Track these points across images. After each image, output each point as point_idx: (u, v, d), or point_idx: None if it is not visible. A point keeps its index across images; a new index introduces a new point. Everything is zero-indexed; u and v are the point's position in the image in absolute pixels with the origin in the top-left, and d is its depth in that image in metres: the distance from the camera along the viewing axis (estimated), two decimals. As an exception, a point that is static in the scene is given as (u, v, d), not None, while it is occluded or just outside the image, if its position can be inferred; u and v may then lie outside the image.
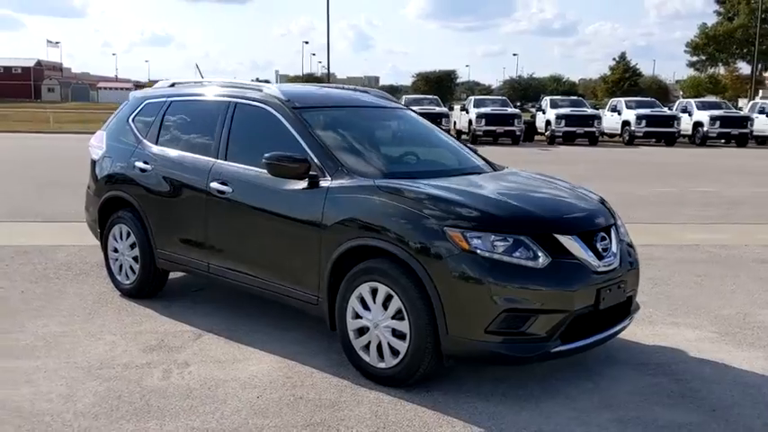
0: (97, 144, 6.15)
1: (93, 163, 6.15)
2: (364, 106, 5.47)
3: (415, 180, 4.33)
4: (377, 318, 4.03)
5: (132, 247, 5.66)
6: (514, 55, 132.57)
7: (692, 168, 18.71)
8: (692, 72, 56.62)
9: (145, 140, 5.66)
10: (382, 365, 4.04)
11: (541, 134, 31.40)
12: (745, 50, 45.29)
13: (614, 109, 31.54)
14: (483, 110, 28.59)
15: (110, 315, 5.34)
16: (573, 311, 3.80)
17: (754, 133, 29.83)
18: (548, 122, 30.25)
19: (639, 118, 29.34)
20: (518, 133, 28.33)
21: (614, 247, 4.15)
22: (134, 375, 4.21)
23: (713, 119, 29.22)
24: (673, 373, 4.32)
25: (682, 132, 29.85)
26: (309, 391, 4.00)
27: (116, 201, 5.81)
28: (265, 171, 4.60)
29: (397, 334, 3.95)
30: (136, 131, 5.79)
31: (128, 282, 5.76)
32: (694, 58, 47.31)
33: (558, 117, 29.25)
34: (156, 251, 5.47)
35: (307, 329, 4.98)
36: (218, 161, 5.01)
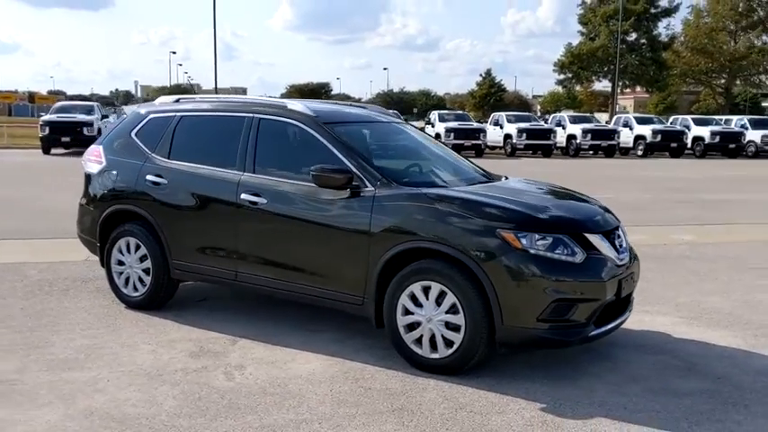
0: (94, 158, 6.18)
1: (90, 177, 6.17)
2: (377, 121, 5.88)
3: (452, 188, 4.83)
4: (430, 313, 4.46)
5: (142, 259, 5.75)
6: (384, 69, 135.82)
7: (578, 177, 20.23)
8: (551, 88, 61.10)
9: (154, 154, 5.78)
10: (435, 356, 4.48)
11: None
12: (605, 68, 49.13)
13: (496, 123, 33.38)
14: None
15: (129, 327, 5.43)
16: (605, 300, 4.42)
17: (621, 145, 32.67)
18: (437, 135, 31.62)
19: (521, 131, 31.29)
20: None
21: (625, 244, 4.81)
22: (199, 379, 4.41)
23: (585, 132, 31.75)
24: (669, 352, 5.04)
25: (557, 144, 32.21)
26: (373, 383, 4.37)
27: (122, 214, 5.88)
28: (302, 182, 4.96)
29: (451, 327, 4.40)
30: (142, 145, 5.89)
31: (136, 294, 5.84)
32: (561, 76, 50.80)
33: (448, 130, 30.65)
34: (171, 262, 5.61)
35: (338, 330, 5.33)
36: (246, 174, 5.26)
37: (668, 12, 49.29)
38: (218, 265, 5.41)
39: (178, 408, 3.97)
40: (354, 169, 4.82)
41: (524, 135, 31.24)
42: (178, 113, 5.86)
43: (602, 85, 61.80)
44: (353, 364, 4.70)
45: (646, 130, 32.41)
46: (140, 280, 5.81)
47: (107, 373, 4.48)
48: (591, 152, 32.58)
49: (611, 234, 4.68)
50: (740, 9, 48.57)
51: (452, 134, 30.56)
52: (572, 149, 32.06)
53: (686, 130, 33.17)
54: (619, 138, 32.34)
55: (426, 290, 4.49)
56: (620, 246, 4.72)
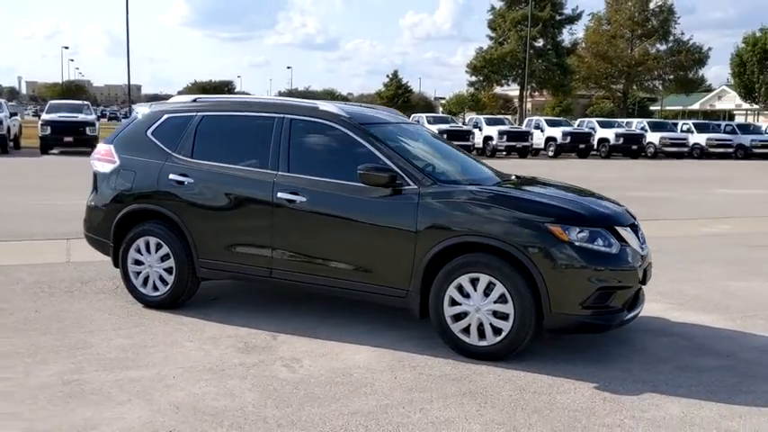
0: (105, 158, 6.12)
1: (101, 176, 6.12)
2: (398, 122, 6.10)
3: (490, 186, 5.17)
4: (478, 303, 4.76)
5: (164, 258, 5.77)
6: (288, 68, 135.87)
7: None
8: (455, 90, 63.11)
9: (175, 154, 5.80)
10: (484, 343, 4.78)
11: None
12: (514, 73, 50.99)
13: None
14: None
15: (160, 325, 5.44)
16: (635, 287, 4.86)
17: (534, 146, 34.14)
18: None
19: (501, 133, 32.96)
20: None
21: (643, 236, 5.28)
22: (262, 372, 4.53)
23: (501, 133, 32.95)
24: (676, 334, 5.54)
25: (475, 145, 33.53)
26: (430, 370, 4.62)
27: (140, 213, 5.87)
28: (343, 181, 5.18)
29: (499, 315, 4.72)
30: (161, 145, 5.90)
31: (157, 293, 5.84)
32: (473, 78, 52.27)
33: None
34: (197, 261, 5.66)
35: (374, 322, 5.56)
36: (281, 173, 5.39)
37: (572, 19, 51.72)
38: (250, 263, 5.51)
39: (260, 399, 4.10)
40: (396, 168, 5.06)
41: (505, 137, 32.77)
42: (199, 113, 5.90)
43: (503, 89, 64.19)
44: (401, 353, 4.93)
45: (556, 132, 33.97)
46: (161, 279, 5.81)
47: (168, 370, 4.53)
48: (505, 153, 33.82)
49: (634, 227, 5.12)
50: (636, 18, 51.56)
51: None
52: (488, 150, 33.19)
53: (593, 132, 34.99)
54: (532, 139, 33.75)
55: (474, 281, 4.78)
56: (641, 238, 5.17)
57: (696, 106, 69.88)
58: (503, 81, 52.56)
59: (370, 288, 5.14)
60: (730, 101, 67.80)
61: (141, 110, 6.29)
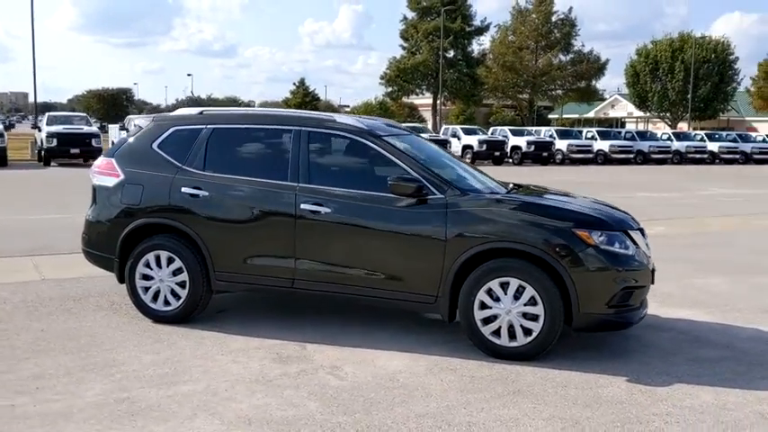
0: (107, 171, 5.99)
1: (103, 190, 5.99)
2: (407, 133, 6.25)
3: (512, 195, 5.42)
4: (509, 306, 4.99)
5: (177, 272, 5.70)
6: (189, 75, 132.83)
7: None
8: (360, 98, 64.08)
9: (186, 167, 5.76)
10: (515, 344, 5.02)
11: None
12: (427, 82, 52.08)
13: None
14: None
15: (181, 340, 5.38)
16: (648, 286, 5.22)
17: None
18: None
19: (481, 142, 34.19)
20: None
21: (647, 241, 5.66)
22: (311, 381, 4.59)
23: (481, 142, 34.28)
24: (672, 329, 5.95)
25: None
26: (472, 372, 4.80)
27: (149, 227, 5.79)
28: (368, 192, 5.33)
29: (529, 317, 4.97)
30: (169, 158, 5.83)
31: (169, 308, 5.77)
32: (389, 89, 52.99)
33: (480, 142, 34.12)
34: (214, 273, 5.64)
35: (391, 328, 5.71)
36: (302, 184, 5.45)
37: (480, 30, 53.44)
38: (271, 274, 5.54)
39: (323, 407, 4.16)
40: (422, 178, 5.23)
41: (485, 146, 34.05)
42: (209, 126, 5.87)
43: (409, 99, 65.33)
44: (433, 357, 5.10)
45: (473, 140, 34.92)
46: (173, 293, 5.74)
47: (216, 383, 4.52)
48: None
49: (641, 231, 5.49)
50: (540, 30, 53.70)
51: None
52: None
53: (506, 140, 36.21)
54: (450, 147, 34.56)
55: (504, 285, 5.01)
56: (647, 242, 5.55)
57: (591, 114, 73.28)
58: (417, 91, 53.53)
59: (399, 295, 5.28)
60: (623, 109, 71.59)
61: (139, 122, 6.19)
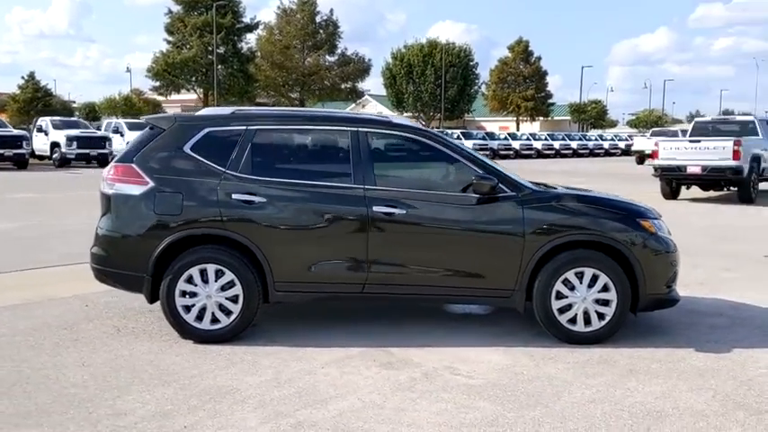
0: (129, 178, 5.30)
1: (126, 200, 5.30)
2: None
3: (573, 190, 5.87)
4: (584, 294, 5.36)
5: (227, 286, 5.25)
6: None
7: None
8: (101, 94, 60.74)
9: (230, 171, 5.31)
10: (590, 329, 5.40)
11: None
12: (196, 78, 50.26)
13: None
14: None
15: (262, 360, 4.97)
16: (678, 268, 5.93)
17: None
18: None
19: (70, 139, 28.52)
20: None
21: None
22: (447, 383, 4.57)
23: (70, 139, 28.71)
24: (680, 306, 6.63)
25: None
26: (569, 358, 5.07)
27: (191, 239, 5.25)
28: (439, 191, 5.45)
29: (602, 302, 5.38)
30: (207, 162, 5.33)
31: (218, 326, 5.27)
32: (157, 83, 50.14)
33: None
34: (274, 284, 5.28)
35: (440, 326, 5.82)
36: (368, 186, 5.32)
37: (250, 27, 52.79)
38: (340, 280, 5.33)
39: (497, 406, 4.20)
40: (495, 177, 5.41)
41: (75, 143, 28.32)
42: (249, 127, 5.45)
43: (152, 94, 62.73)
44: (520, 348, 5.28)
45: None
46: (222, 309, 5.27)
47: (364, 396, 4.32)
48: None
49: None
50: (307, 30, 54.52)
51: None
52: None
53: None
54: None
55: (578, 275, 5.37)
56: (663, 229, 6.25)
57: (347, 113, 76.14)
58: (188, 86, 51.50)
59: (478, 292, 5.40)
60: (373, 108, 75.55)
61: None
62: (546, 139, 51.73)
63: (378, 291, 5.38)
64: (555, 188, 5.89)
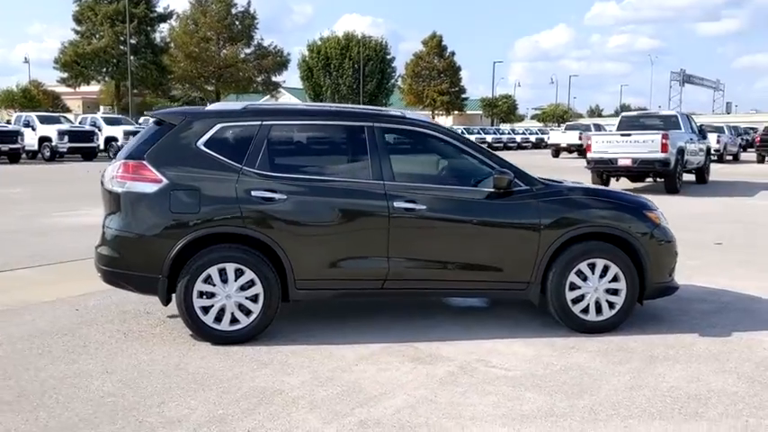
0: (140, 176, 5.06)
1: (140, 199, 5.08)
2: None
3: (582, 184, 5.98)
4: (596, 284, 5.52)
5: (247, 286, 5.11)
6: None
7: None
8: None
9: (247, 167, 5.17)
10: (601, 318, 5.56)
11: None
12: (107, 69, 48.20)
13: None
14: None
15: (291, 359, 4.87)
16: (674, 257, 6.19)
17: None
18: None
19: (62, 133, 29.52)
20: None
21: None
22: (484, 376, 4.61)
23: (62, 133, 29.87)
24: (693, 299, 6.82)
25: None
26: (590, 347, 5.21)
27: (209, 238, 5.09)
28: (457, 186, 5.48)
29: (612, 292, 5.56)
30: (222, 158, 5.16)
31: (237, 326, 5.14)
32: (65, 74, 47.75)
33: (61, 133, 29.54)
34: (295, 282, 5.19)
35: (450, 320, 5.83)
36: (388, 182, 5.29)
37: (163, 17, 51.06)
38: (361, 277, 5.29)
39: (544, 394, 4.29)
40: (511, 171, 5.49)
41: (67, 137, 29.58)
42: (264, 122, 5.32)
43: (51, 86, 60.26)
44: (541, 339, 5.37)
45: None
46: (242, 309, 5.13)
47: (417, 393, 4.31)
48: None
49: (650, 211, 6.42)
50: (224, 22, 53.30)
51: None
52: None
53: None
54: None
55: (591, 266, 5.53)
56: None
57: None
58: (98, 78, 49.39)
59: (495, 285, 5.47)
60: (286, 100, 74.97)
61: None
62: (462, 132, 52.68)
63: (398, 287, 5.37)
64: (562, 182, 6.03)
